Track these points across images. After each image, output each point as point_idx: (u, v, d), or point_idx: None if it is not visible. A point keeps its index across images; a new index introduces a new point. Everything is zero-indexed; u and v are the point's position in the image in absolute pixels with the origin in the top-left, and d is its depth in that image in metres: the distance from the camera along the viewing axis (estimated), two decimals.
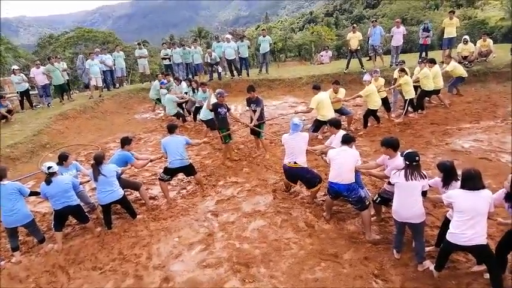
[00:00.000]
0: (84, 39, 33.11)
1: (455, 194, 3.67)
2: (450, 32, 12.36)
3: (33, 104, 12.70)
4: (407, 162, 4.04)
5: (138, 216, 5.78)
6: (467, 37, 12.09)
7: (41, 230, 5.38)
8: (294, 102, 12.27)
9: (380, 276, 4.06)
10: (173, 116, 10.95)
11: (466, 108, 9.57)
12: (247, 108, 8.28)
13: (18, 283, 4.58)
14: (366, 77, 8.92)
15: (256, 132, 8.04)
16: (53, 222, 5.25)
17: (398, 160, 4.37)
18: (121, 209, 5.89)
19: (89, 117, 11.91)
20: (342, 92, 8.78)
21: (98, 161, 5.40)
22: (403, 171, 4.05)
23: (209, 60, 14.32)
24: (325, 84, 12.99)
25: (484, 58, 11.89)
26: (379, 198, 4.89)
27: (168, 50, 14.84)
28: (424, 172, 4.10)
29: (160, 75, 12.29)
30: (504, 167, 6.20)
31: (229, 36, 14.77)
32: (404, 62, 10.07)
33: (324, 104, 7.94)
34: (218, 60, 14.31)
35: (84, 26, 40.77)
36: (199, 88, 9.97)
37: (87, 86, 14.11)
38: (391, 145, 4.53)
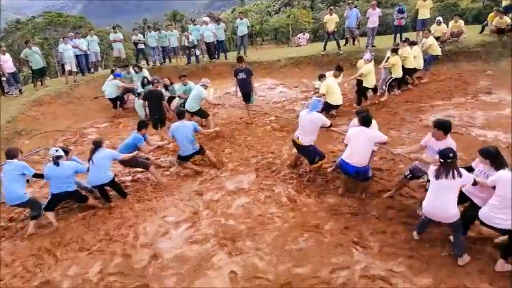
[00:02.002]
0: (54, 24, 31.69)
1: (505, 176, 3.59)
2: (424, 13, 12.60)
3: (5, 91, 12.22)
4: (441, 160, 3.80)
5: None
6: (440, 18, 12.37)
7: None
8: (273, 84, 12.31)
9: (359, 243, 4.31)
10: (110, 99, 10.52)
11: (438, 86, 9.91)
12: (234, 79, 8.54)
13: (4, 268, 4.56)
14: (367, 56, 9.13)
15: (247, 98, 8.69)
16: (46, 203, 5.30)
17: (447, 143, 4.23)
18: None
19: (64, 103, 11.59)
20: (340, 77, 9.10)
21: (97, 145, 5.60)
22: (436, 168, 3.85)
23: (186, 44, 14.13)
24: (303, 66, 13.24)
25: (456, 38, 12.23)
26: (410, 175, 4.79)
27: (140, 35, 14.51)
28: (461, 170, 3.80)
29: (117, 68, 11.77)
30: (474, 140, 6.54)
31: (207, 19, 14.57)
32: (405, 41, 10.27)
33: (333, 90, 8.19)
34: (196, 43, 14.14)
35: (53, 11, 38.70)
36: (180, 81, 9.48)
37: (63, 72, 13.67)
38: (443, 127, 4.33)
